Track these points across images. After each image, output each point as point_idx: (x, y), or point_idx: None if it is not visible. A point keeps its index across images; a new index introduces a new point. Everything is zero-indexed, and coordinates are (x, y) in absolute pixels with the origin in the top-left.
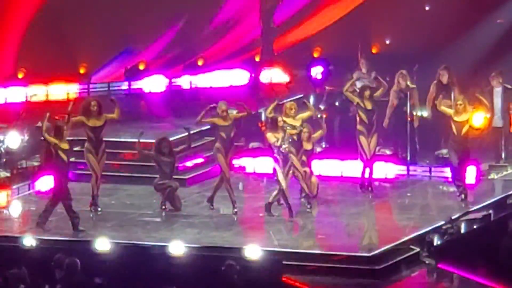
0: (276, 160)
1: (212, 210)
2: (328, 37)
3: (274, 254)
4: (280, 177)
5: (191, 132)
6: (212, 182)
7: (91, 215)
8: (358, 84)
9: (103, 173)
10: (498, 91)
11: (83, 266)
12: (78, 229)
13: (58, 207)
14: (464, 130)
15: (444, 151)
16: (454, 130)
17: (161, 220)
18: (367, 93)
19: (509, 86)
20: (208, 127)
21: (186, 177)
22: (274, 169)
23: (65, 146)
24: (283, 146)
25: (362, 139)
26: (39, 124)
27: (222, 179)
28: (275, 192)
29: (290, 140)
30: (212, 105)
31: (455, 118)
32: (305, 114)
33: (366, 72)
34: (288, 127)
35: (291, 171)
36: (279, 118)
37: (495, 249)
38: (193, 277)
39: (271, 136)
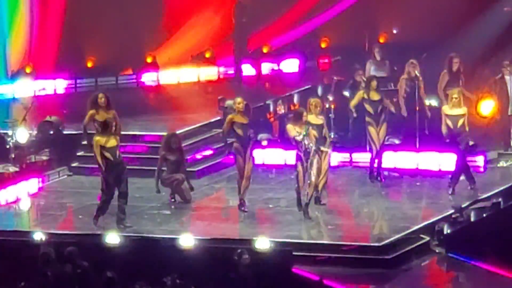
0: (298, 156)
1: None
2: (335, 28)
3: (284, 245)
4: (300, 175)
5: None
6: (222, 174)
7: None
8: (373, 73)
9: None
10: (508, 79)
11: (94, 260)
12: (122, 224)
13: (68, 201)
14: (460, 123)
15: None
16: (450, 124)
17: (171, 213)
18: (373, 83)
19: None
20: (218, 118)
21: (196, 169)
22: (295, 165)
23: (113, 143)
24: (305, 142)
25: (371, 129)
26: (48, 118)
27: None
28: (306, 191)
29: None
30: (220, 97)
31: (449, 112)
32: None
33: (380, 60)
34: (310, 127)
35: (313, 166)
36: (304, 112)
37: (506, 236)
38: (203, 269)
39: (291, 129)
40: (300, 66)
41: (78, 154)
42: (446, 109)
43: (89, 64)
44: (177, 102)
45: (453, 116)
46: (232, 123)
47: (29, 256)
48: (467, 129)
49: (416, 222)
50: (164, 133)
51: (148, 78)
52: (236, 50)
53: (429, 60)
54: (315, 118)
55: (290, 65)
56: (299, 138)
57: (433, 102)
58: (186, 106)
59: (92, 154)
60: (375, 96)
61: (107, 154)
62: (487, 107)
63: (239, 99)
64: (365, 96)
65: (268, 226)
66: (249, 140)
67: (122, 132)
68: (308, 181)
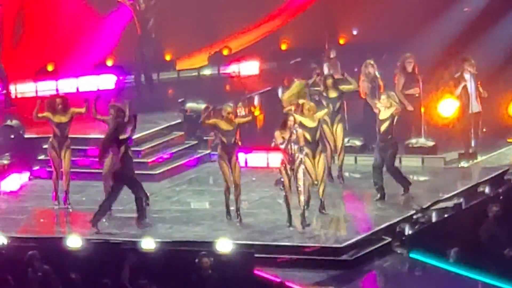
0: (282, 162)
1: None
2: (295, 29)
3: (245, 247)
4: (285, 182)
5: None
6: (183, 177)
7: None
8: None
9: (72, 170)
10: (467, 77)
11: (56, 263)
12: (142, 223)
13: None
14: (384, 128)
15: (414, 140)
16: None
17: (132, 216)
18: (329, 81)
19: (475, 72)
20: (178, 121)
21: (156, 172)
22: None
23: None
24: (289, 148)
25: (325, 128)
26: (9, 122)
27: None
28: (302, 199)
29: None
30: (206, 106)
31: (380, 116)
32: (322, 113)
33: (334, 57)
34: (299, 130)
35: (299, 172)
36: (290, 118)
37: (467, 237)
38: (166, 272)
39: (278, 136)
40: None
41: (39, 158)
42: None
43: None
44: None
45: (380, 120)
46: (214, 127)
47: None
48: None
49: (377, 223)
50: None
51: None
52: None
53: (389, 60)
54: (309, 121)
55: (250, 68)
56: (282, 146)
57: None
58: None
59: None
60: (333, 93)
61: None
62: (447, 106)
63: (229, 109)
64: (323, 93)
65: (230, 228)
66: (234, 147)
67: (87, 136)
68: (299, 188)
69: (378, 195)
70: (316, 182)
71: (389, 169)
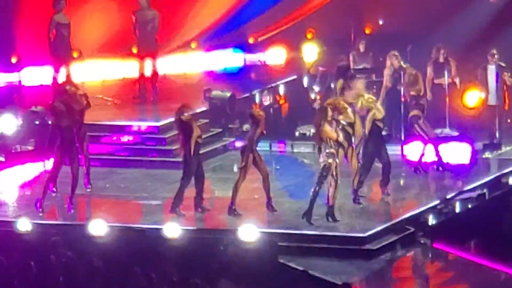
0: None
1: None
2: (320, 19)
3: (270, 235)
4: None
5: None
6: (208, 164)
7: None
8: (357, 64)
9: (98, 157)
10: (492, 69)
11: (80, 250)
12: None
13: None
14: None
15: (438, 131)
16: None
17: (156, 203)
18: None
19: (503, 64)
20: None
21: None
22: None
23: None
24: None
25: None
26: (33, 108)
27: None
28: (331, 192)
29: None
30: (206, 88)
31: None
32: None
33: (363, 52)
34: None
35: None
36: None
37: (491, 228)
38: (189, 259)
39: (331, 131)
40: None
41: None
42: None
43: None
44: (163, 92)
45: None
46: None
47: (13, 246)
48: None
49: (401, 213)
50: (151, 123)
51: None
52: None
53: (415, 51)
54: (348, 116)
55: (276, 56)
56: (340, 139)
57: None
58: (172, 97)
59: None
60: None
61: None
62: (473, 98)
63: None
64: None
65: (254, 216)
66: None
67: (109, 123)
68: (332, 182)
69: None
70: None
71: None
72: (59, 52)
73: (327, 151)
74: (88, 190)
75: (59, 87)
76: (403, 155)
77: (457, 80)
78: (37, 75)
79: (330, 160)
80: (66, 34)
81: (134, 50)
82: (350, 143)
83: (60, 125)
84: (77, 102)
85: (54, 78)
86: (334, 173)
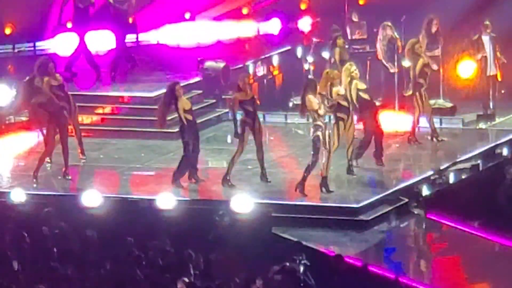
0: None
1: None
2: None
3: (263, 206)
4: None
5: None
6: (201, 135)
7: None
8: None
9: (92, 128)
10: (486, 39)
11: (73, 221)
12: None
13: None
14: (366, 96)
15: (432, 101)
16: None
17: (150, 174)
18: (340, 41)
19: (494, 35)
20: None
21: (175, 130)
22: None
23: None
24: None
25: None
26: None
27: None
28: (324, 163)
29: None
30: (200, 58)
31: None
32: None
33: (357, 22)
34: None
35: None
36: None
37: (485, 198)
38: (183, 230)
39: (312, 103)
40: (282, 28)
41: None
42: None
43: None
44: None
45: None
46: (239, 102)
47: (7, 217)
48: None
49: (395, 184)
50: (143, 94)
51: None
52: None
53: (408, 22)
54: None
55: (271, 27)
56: (321, 112)
57: (406, 64)
58: (166, 67)
59: None
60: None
61: (188, 116)
62: (466, 68)
63: (247, 79)
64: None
65: (248, 187)
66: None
67: (103, 93)
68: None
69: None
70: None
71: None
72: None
73: (314, 123)
74: (82, 161)
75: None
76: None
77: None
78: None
79: (318, 133)
80: None
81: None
82: (348, 115)
83: (43, 101)
84: (54, 78)
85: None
86: (326, 144)
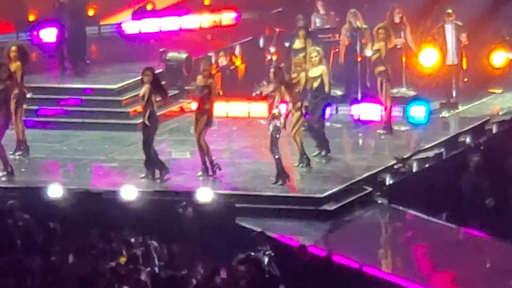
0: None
1: None
2: None
3: (226, 197)
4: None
5: None
6: (165, 126)
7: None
8: (318, 25)
9: (55, 120)
10: (449, 28)
11: (37, 213)
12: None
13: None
14: (316, 85)
15: (395, 90)
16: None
17: (113, 166)
18: (301, 33)
19: (460, 23)
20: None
21: (138, 121)
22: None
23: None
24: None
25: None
26: None
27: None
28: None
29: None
30: (162, 49)
31: (310, 73)
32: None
33: (324, 13)
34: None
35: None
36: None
37: (448, 187)
38: (146, 221)
39: (283, 91)
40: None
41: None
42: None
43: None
44: (119, 54)
45: (311, 77)
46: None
47: None
48: (326, 90)
49: (358, 173)
50: (106, 86)
51: None
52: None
53: (371, 10)
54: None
55: (232, 17)
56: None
57: (368, 53)
58: (129, 58)
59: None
60: (299, 45)
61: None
62: (428, 57)
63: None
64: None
65: (211, 178)
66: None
67: (65, 85)
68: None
69: (321, 152)
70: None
71: (311, 126)
72: None
73: (272, 114)
74: (17, 155)
75: None
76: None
77: (411, 43)
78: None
79: (276, 121)
80: None
81: None
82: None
83: None
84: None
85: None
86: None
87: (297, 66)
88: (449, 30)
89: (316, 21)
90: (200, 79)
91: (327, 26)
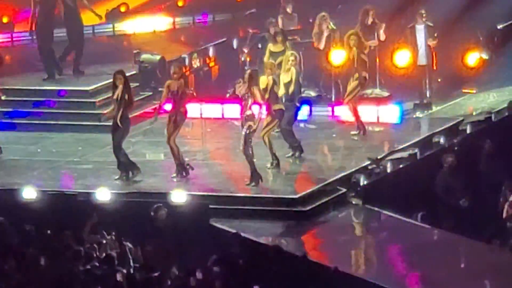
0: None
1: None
2: None
3: (201, 198)
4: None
5: None
6: (138, 128)
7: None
8: (285, 26)
9: (29, 122)
10: (420, 28)
11: (11, 215)
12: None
13: None
14: (291, 90)
15: (369, 91)
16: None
17: (88, 168)
18: (279, 38)
19: (431, 24)
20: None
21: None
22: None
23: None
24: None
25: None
26: None
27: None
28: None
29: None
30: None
31: (282, 77)
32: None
33: (291, 13)
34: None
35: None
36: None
37: (422, 187)
38: (121, 223)
39: (257, 93)
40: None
41: None
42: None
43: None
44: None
45: (285, 83)
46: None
47: None
48: (291, 91)
49: (332, 174)
50: (82, 88)
51: None
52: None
53: (344, 12)
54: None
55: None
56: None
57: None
58: (101, 60)
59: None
60: (278, 48)
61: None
62: (402, 58)
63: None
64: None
65: (185, 179)
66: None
67: (39, 87)
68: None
69: (294, 153)
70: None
71: (283, 129)
72: None
73: (246, 115)
74: None
75: None
76: (334, 116)
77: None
78: None
79: (250, 123)
80: None
81: None
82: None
83: None
84: None
85: None
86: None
87: (268, 68)
88: (420, 31)
89: (282, 23)
90: (170, 83)
91: (292, 28)
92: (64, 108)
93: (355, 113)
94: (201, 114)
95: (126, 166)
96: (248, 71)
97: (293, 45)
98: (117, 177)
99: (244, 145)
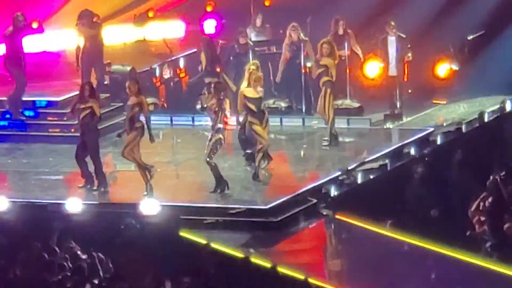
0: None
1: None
2: None
3: (171, 209)
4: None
5: None
6: (109, 139)
7: None
8: (254, 38)
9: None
10: (392, 40)
11: None
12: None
13: None
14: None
15: (339, 102)
16: (252, 107)
17: (58, 178)
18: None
19: (403, 35)
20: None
21: None
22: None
23: None
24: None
25: None
26: None
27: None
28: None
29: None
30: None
31: (250, 95)
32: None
33: (260, 26)
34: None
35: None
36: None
37: (393, 198)
38: (92, 234)
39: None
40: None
41: None
42: (246, 91)
43: None
44: (61, 68)
45: (253, 99)
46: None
47: None
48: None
49: (303, 185)
50: (52, 99)
51: None
52: None
53: (315, 23)
54: (252, 92)
55: (175, 29)
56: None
57: (309, 64)
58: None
59: None
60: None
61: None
62: (373, 68)
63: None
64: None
65: (156, 190)
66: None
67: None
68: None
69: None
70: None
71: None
72: None
73: (216, 126)
74: None
75: None
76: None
77: (358, 51)
78: None
79: (219, 135)
80: None
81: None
82: (260, 117)
83: None
84: None
85: None
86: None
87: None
88: (392, 42)
89: (252, 35)
90: (130, 99)
91: (263, 39)
92: (35, 118)
93: (332, 122)
94: (171, 124)
95: (92, 176)
96: (213, 84)
97: (263, 56)
98: (81, 185)
99: (208, 153)
